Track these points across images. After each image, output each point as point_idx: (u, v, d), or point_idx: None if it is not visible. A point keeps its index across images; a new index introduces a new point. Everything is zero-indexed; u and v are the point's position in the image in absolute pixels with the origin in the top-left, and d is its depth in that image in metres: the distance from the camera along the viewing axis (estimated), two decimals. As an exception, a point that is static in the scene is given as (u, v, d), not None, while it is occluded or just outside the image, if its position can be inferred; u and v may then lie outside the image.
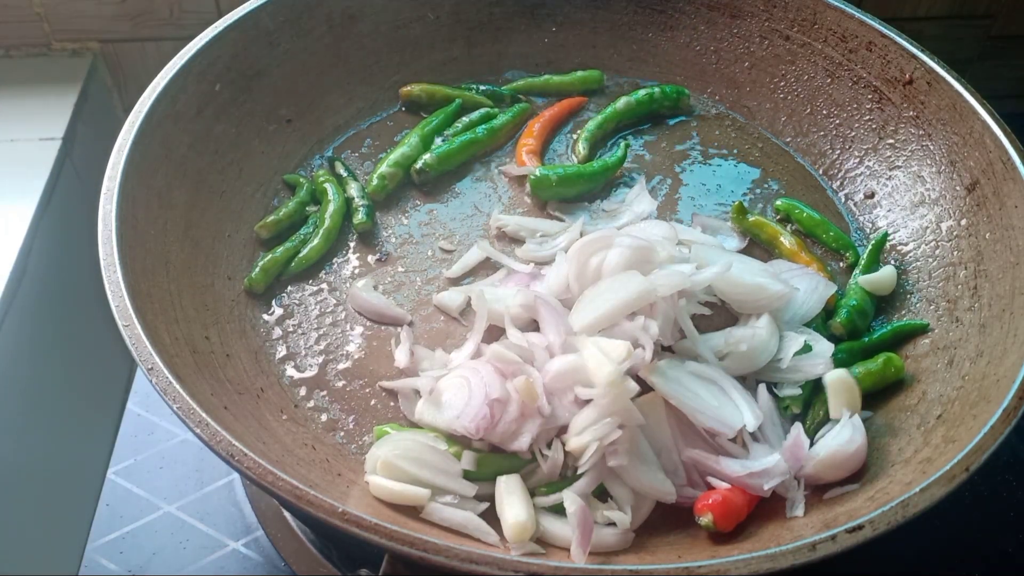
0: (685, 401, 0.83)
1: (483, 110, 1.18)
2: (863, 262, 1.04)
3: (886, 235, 1.07)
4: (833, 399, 0.87)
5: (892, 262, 1.05)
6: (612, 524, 0.80)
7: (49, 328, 1.25)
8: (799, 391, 0.90)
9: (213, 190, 1.02)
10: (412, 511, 0.79)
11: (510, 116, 1.17)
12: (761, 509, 0.83)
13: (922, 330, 0.97)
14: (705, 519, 0.80)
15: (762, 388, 0.89)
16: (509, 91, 1.21)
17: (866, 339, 0.97)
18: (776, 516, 0.82)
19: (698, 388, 0.85)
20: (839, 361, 0.92)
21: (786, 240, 1.05)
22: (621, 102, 1.18)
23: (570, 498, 0.79)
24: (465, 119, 1.17)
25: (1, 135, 1.29)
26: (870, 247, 1.05)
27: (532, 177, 1.08)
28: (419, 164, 1.10)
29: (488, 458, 0.83)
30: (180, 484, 1.01)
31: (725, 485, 0.82)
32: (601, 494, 0.83)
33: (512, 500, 0.79)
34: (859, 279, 1.01)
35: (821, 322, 0.97)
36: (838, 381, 0.88)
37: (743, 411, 0.84)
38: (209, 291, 0.95)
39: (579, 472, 0.81)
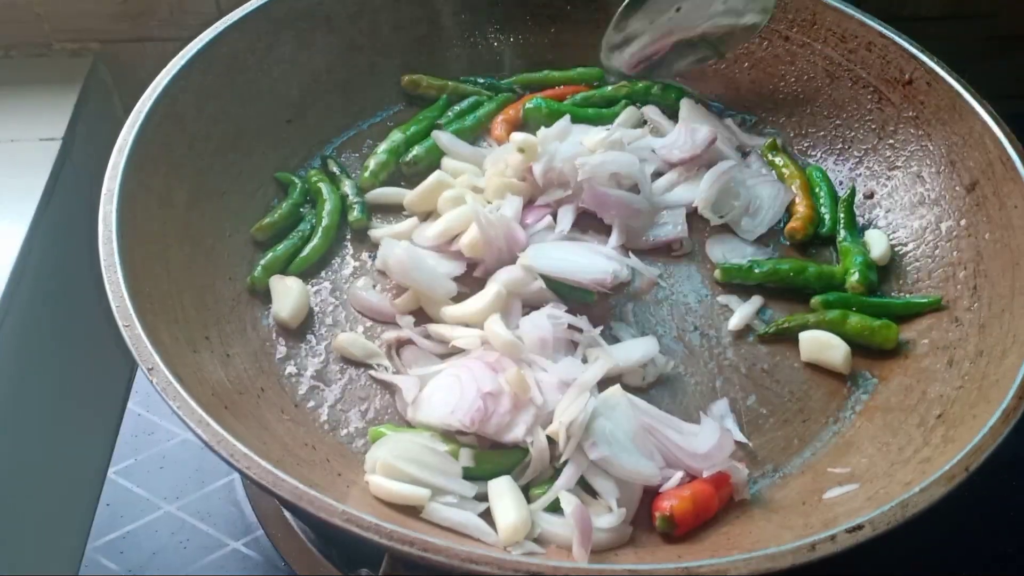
0: (562, 269, 0.94)
1: (472, 98, 1.18)
2: (842, 219, 1.07)
3: (854, 189, 1.10)
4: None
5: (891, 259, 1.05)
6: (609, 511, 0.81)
7: (49, 328, 1.25)
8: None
9: (213, 190, 1.02)
10: (412, 511, 0.79)
11: (495, 105, 1.18)
12: (761, 509, 0.83)
13: (933, 307, 0.97)
14: (663, 517, 0.80)
15: (722, 403, 0.91)
16: (508, 84, 1.22)
17: (875, 300, 1.00)
18: (776, 516, 0.82)
19: (567, 254, 0.97)
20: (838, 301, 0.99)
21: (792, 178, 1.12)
22: (620, 104, 1.19)
23: (567, 499, 0.79)
24: (456, 108, 1.18)
25: (1, 135, 1.29)
26: (842, 200, 1.09)
27: (526, 106, 1.14)
28: (408, 156, 1.10)
29: (486, 455, 0.83)
30: (180, 484, 1.01)
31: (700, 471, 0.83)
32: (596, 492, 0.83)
33: (504, 503, 0.80)
34: (863, 240, 1.06)
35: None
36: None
37: (610, 261, 0.96)
38: (209, 291, 0.95)
39: (562, 460, 0.82)
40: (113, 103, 1.45)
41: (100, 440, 1.14)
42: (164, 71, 1.00)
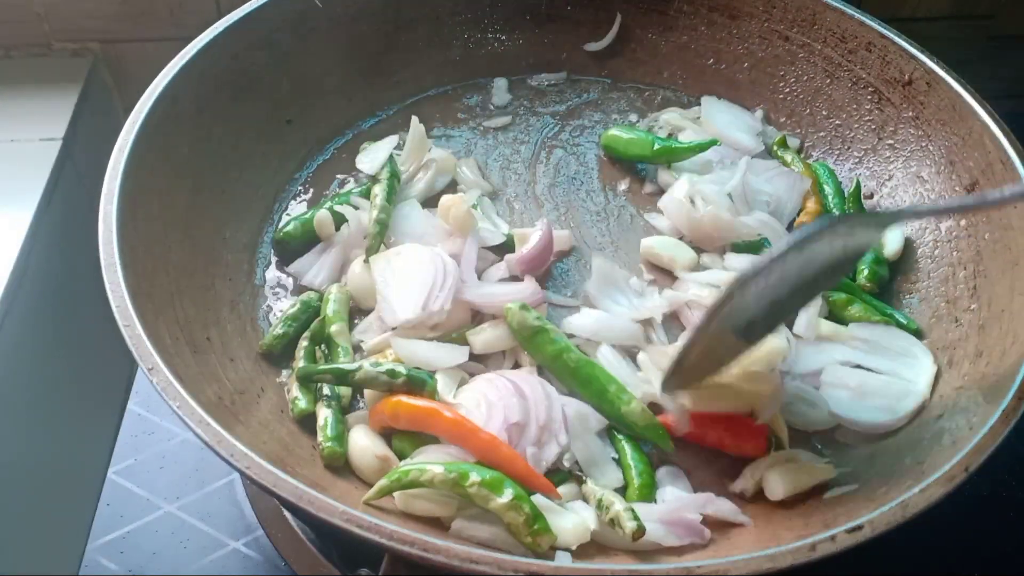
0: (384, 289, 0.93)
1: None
2: (849, 210, 1.07)
3: (859, 183, 1.10)
4: None
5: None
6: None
7: (49, 328, 1.25)
8: None
9: (213, 190, 1.02)
10: (411, 511, 0.79)
11: None
12: (761, 509, 0.83)
13: (911, 331, 0.97)
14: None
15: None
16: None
17: (867, 299, 1.00)
18: (776, 516, 0.82)
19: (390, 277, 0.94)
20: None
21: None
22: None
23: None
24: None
25: (1, 135, 1.29)
26: (851, 195, 1.09)
27: (605, 134, 1.16)
28: (280, 233, 1.03)
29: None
30: (180, 484, 1.01)
31: None
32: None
33: (559, 515, 0.79)
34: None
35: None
36: None
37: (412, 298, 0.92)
38: (209, 291, 0.95)
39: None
40: (113, 103, 1.45)
41: (100, 440, 1.14)
42: (164, 71, 1.00)
